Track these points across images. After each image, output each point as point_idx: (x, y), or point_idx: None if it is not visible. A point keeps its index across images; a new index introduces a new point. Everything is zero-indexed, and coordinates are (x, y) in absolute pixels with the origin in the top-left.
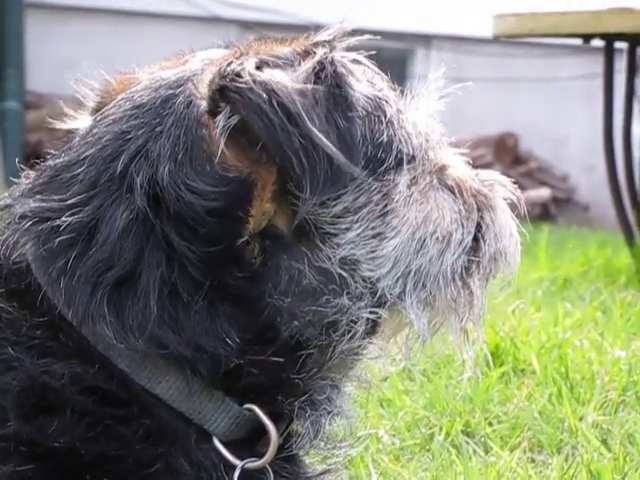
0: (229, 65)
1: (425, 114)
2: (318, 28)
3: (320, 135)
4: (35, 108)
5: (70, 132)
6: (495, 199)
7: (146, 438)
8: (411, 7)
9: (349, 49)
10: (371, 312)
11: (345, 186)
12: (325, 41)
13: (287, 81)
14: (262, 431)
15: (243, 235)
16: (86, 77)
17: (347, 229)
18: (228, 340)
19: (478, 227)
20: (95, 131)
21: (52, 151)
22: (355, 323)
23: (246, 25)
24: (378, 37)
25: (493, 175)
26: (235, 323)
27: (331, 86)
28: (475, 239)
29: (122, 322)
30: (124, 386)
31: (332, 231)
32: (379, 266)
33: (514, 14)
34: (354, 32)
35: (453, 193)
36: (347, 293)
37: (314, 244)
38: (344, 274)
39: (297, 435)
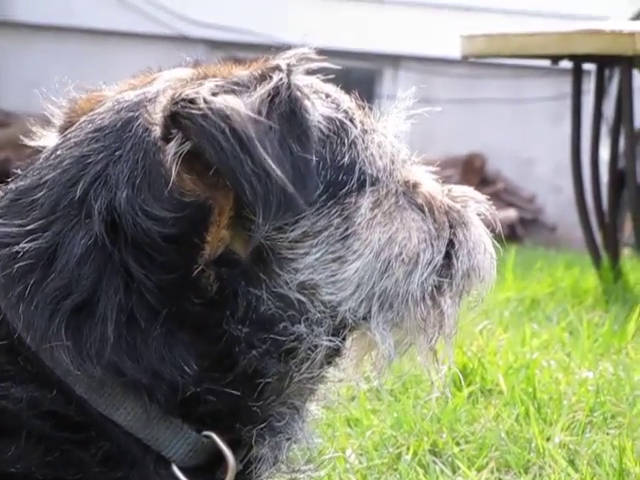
0: (183, 90)
1: (392, 134)
2: (286, 48)
3: (271, 163)
4: (3, 126)
5: (38, 151)
6: (468, 215)
7: (105, 462)
8: (379, 27)
9: (316, 70)
10: (330, 340)
11: (299, 213)
12: (283, 65)
13: (241, 107)
14: (221, 458)
15: (199, 262)
16: (54, 95)
17: (306, 253)
18: (186, 368)
19: (450, 244)
20: (57, 153)
21: (18, 171)
22: (313, 351)
23: (214, 45)
24: (337, 60)
25: (466, 191)
26: (193, 350)
27: (285, 112)
28: (448, 256)
29: (80, 348)
30: (82, 411)
31: (290, 256)
32: (340, 289)
33: (483, 35)
34: (318, 53)
35: (423, 212)
36: (306, 319)
37: (271, 270)
38: (303, 299)
39: (257, 461)
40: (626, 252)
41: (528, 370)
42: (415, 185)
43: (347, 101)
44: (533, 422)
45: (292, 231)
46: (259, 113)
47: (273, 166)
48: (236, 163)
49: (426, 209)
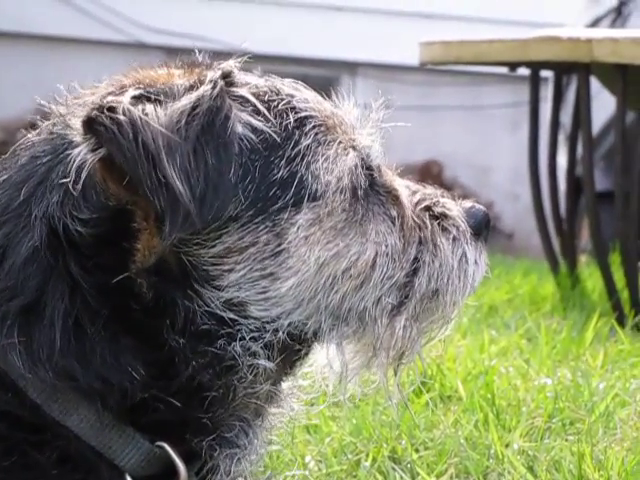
0: (105, 97)
1: (367, 144)
2: (243, 55)
3: (175, 176)
4: None
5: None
6: (442, 234)
7: (62, 464)
8: (336, 34)
9: (280, 76)
10: (267, 361)
11: (195, 228)
12: (212, 75)
13: (157, 117)
14: (175, 469)
15: (130, 268)
16: (10, 101)
17: (230, 270)
18: (133, 373)
19: (415, 262)
20: (17, 153)
21: None
22: (250, 370)
23: (172, 51)
24: (294, 67)
25: (451, 208)
26: (140, 356)
27: (205, 122)
28: (413, 274)
29: (31, 353)
30: (37, 413)
31: (213, 273)
32: (275, 305)
33: (440, 41)
34: (275, 60)
35: (393, 224)
36: (241, 338)
37: (195, 287)
38: (233, 317)
39: (211, 472)
40: (583, 259)
41: (487, 376)
42: (395, 196)
43: (308, 110)
44: (492, 428)
45: (213, 247)
46: (177, 123)
47: (176, 180)
48: (143, 173)
49: (397, 222)
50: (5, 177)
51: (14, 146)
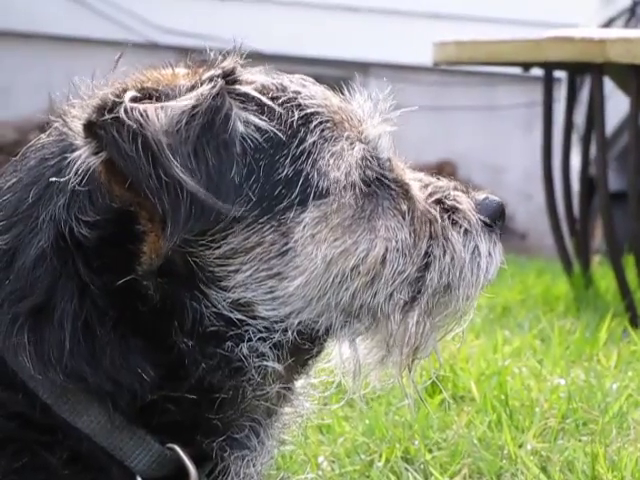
0: (105, 99)
1: (376, 138)
2: (256, 55)
3: (180, 173)
4: None
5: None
6: (453, 227)
7: (73, 464)
8: (349, 34)
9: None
10: (274, 362)
11: (211, 223)
12: (213, 74)
13: (157, 118)
14: (186, 471)
15: (137, 270)
16: (27, 101)
17: (236, 271)
18: (143, 374)
19: (426, 256)
20: (26, 155)
21: None
22: (258, 371)
23: (184, 52)
24: (307, 67)
25: (462, 201)
26: (149, 357)
27: (205, 122)
28: (425, 269)
29: (41, 354)
30: (47, 414)
31: (219, 274)
32: (283, 304)
33: (454, 42)
34: (288, 60)
35: (404, 219)
36: (248, 339)
37: (201, 288)
38: (241, 317)
39: (222, 474)
40: (597, 259)
41: (500, 377)
42: (405, 190)
43: (314, 106)
44: (505, 429)
45: (218, 248)
46: (177, 123)
47: (184, 176)
48: (144, 175)
49: (408, 217)
50: (15, 179)
51: (24, 148)
